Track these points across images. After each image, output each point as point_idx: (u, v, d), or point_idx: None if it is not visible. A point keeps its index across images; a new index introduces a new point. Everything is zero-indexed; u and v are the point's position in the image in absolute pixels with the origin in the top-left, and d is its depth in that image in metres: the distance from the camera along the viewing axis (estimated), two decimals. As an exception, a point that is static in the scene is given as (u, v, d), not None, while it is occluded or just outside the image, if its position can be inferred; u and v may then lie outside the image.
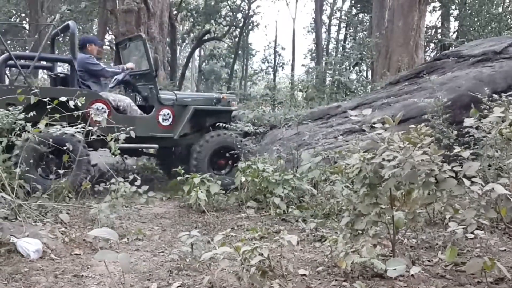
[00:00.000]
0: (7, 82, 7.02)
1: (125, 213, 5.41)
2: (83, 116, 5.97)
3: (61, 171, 5.63)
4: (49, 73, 7.60)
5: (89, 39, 7.36)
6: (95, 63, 7.04)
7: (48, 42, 8.69)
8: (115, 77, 7.42)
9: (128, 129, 5.87)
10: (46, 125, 5.35)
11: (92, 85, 6.98)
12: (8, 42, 28.07)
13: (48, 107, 5.42)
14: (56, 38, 8.06)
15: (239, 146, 7.43)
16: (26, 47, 26.47)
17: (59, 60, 7.77)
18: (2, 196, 4.39)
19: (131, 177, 5.73)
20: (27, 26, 25.96)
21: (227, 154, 7.46)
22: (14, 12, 26.29)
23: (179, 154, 7.92)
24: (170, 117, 7.31)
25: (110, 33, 22.77)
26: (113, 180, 5.45)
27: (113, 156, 5.84)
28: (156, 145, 7.20)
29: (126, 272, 3.47)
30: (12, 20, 26.53)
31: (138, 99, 7.76)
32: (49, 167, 6.26)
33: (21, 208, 4.71)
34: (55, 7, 24.72)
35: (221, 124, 7.45)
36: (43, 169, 6.29)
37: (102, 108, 6.70)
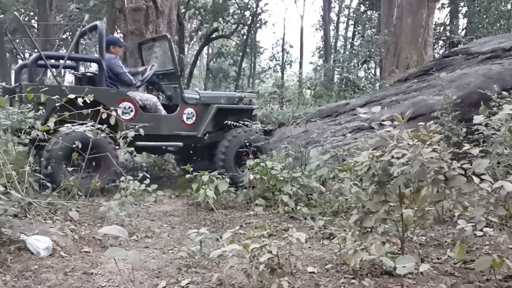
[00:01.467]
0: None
1: (134, 211, 5.43)
2: (111, 114, 5.96)
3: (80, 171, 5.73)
4: (75, 72, 7.65)
5: (111, 40, 7.37)
6: (118, 65, 7.15)
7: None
8: (143, 77, 7.49)
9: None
10: (56, 123, 5.38)
11: (120, 84, 7.07)
12: (17, 40, 28.25)
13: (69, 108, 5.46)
14: (84, 37, 8.10)
15: (264, 143, 7.54)
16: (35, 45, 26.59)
17: (88, 60, 7.88)
18: (12, 194, 4.42)
19: (140, 175, 5.75)
20: (35, 25, 26.07)
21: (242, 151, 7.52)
22: (22, 10, 26.39)
23: (199, 152, 7.92)
24: (193, 115, 7.43)
25: (118, 31, 22.83)
26: (122, 178, 5.47)
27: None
28: (180, 143, 7.27)
29: (136, 269, 3.49)
30: (21, 19, 26.62)
31: (161, 98, 7.88)
32: (78, 166, 6.24)
33: (31, 206, 4.74)
34: (64, 6, 24.82)
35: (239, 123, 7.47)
36: (73, 168, 6.26)
37: (129, 107, 6.82)
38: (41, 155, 6.10)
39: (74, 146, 5.76)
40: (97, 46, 6.83)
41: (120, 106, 6.72)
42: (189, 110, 7.43)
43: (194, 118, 7.41)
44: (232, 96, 8.17)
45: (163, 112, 7.34)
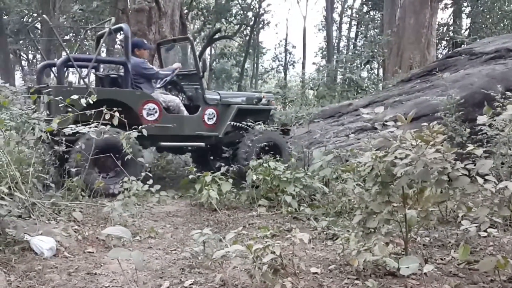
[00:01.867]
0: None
1: (137, 212, 5.43)
2: (136, 116, 6.44)
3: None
4: (97, 73, 7.71)
5: (136, 43, 7.43)
6: (149, 67, 7.27)
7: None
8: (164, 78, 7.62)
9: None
10: (59, 123, 5.39)
11: (144, 86, 7.17)
12: (20, 42, 28.33)
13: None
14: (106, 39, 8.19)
15: (283, 142, 7.64)
16: (38, 47, 26.63)
17: (114, 63, 7.97)
18: (16, 195, 4.43)
19: (143, 175, 5.76)
20: (39, 26, 26.09)
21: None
22: (26, 12, 26.44)
23: (217, 151, 7.97)
24: (214, 116, 7.53)
25: (121, 32, 22.82)
26: (125, 179, 5.48)
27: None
28: (202, 144, 7.38)
29: (139, 270, 3.49)
30: (24, 20, 26.69)
31: (181, 98, 7.95)
32: (105, 167, 6.49)
33: (35, 207, 4.75)
34: (67, 7, 24.84)
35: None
36: (99, 168, 6.46)
37: (154, 108, 6.91)
38: (67, 156, 6.14)
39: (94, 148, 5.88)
40: (123, 48, 6.95)
41: (145, 108, 6.83)
42: (210, 110, 7.52)
43: (215, 119, 7.51)
44: (251, 97, 8.25)
45: (186, 113, 7.44)
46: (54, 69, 7.70)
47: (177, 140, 7.10)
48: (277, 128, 7.73)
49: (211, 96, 7.66)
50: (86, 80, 6.58)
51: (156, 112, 6.90)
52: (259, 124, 7.44)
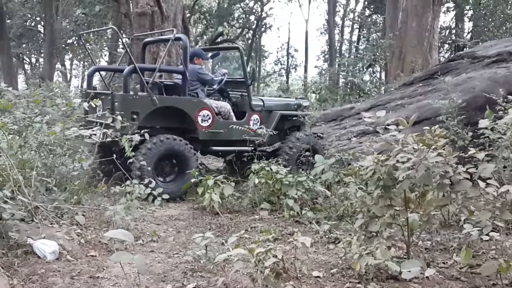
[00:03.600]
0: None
1: (140, 215, 5.43)
2: (191, 122, 7.01)
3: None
4: (160, 80, 8.02)
5: (196, 53, 7.86)
6: (206, 73, 7.72)
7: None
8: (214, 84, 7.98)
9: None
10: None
11: (198, 92, 7.49)
12: (23, 45, 28.38)
13: None
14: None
15: (319, 145, 7.99)
16: (41, 50, 26.68)
17: (174, 72, 8.29)
18: (19, 198, 4.44)
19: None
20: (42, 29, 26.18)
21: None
22: (29, 16, 26.49)
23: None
24: (258, 121, 7.87)
25: (124, 36, 22.88)
26: (128, 182, 5.49)
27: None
28: (249, 148, 7.54)
29: (141, 273, 3.50)
30: (27, 24, 26.76)
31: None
32: (164, 172, 6.96)
33: (38, 210, 4.75)
34: (70, 11, 24.91)
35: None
36: (158, 173, 6.87)
37: (207, 115, 7.25)
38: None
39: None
40: (182, 57, 7.37)
41: (200, 114, 7.17)
42: (255, 116, 7.89)
43: (258, 124, 7.79)
44: (290, 103, 8.67)
45: (234, 118, 7.80)
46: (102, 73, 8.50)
47: (225, 144, 7.52)
48: (313, 133, 8.09)
49: (255, 102, 8.01)
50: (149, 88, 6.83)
51: (209, 118, 7.25)
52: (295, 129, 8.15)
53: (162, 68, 7.81)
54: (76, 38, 24.31)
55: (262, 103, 8.05)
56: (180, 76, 7.52)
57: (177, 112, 6.95)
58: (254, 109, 7.90)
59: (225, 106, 7.80)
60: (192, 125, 7.08)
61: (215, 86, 7.91)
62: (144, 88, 6.96)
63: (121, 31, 22.07)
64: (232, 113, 7.80)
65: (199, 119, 7.13)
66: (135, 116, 6.51)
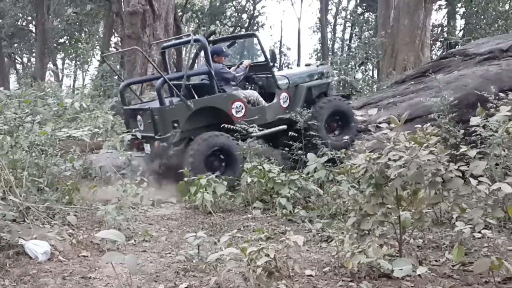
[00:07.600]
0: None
1: (132, 215, 5.42)
2: (226, 115, 7.31)
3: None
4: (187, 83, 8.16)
5: (216, 51, 8.01)
6: (227, 71, 7.88)
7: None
8: (238, 74, 8.12)
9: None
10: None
11: (226, 88, 7.70)
12: (15, 45, 28.22)
13: None
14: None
15: (348, 107, 8.25)
16: (33, 50, 26.54)
17: (201, 73, 8.41)
18: (11, 199, 4.42)
19: (138, 178, 5.75)
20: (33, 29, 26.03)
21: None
22: (20, 15, 26.34)
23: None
24: (287, 99, 8.15)
25: (115, 35, 22.81)
26: (120, 182, 5.47)
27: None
28: (285, 126, 7.87)
29: (133, 274, 3.49)
30: (19, 23, 26.61)
31: (251, 88, 8.60)
32: (213, 166, 7.19)
33: (29, 211, 4.73)
34: (61, 10, 24.79)
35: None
36: (209, 168, 7.07)
37: (240, 105, 7.59)
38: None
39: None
40: (204, 58, 7.60)
41: (233, 107, 7.50)
42: (284, 94, 8.12)
43: (288, 101, 8.12)
44: (314, 72, 8.79)
45: (264, 103, 7.99)
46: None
47: (262, 128, 7.64)
48: (338, 94, 8.36)
49: (281, 81, 8.16)
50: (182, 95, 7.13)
51: (242, 108, 7.57)
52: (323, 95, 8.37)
53: (189, 73, 8.06)
54: (68, 37, 24.25)
55: (287, 81, 8.21)
56: (203, 76, 7.82)
57: (212, 110, 7.30)
58: (281, 88, 8.09)
59: (253, 94, 8.02)
60: (228, 118, 7.35)
61: (239, 79, 8.09)
62: (175, 94, 7.33)
63: (113, 30, 22.04)
64: (260, 98, 8.01)
65: (233, 111, 7.45)
66: (175, 124, 6.95)
